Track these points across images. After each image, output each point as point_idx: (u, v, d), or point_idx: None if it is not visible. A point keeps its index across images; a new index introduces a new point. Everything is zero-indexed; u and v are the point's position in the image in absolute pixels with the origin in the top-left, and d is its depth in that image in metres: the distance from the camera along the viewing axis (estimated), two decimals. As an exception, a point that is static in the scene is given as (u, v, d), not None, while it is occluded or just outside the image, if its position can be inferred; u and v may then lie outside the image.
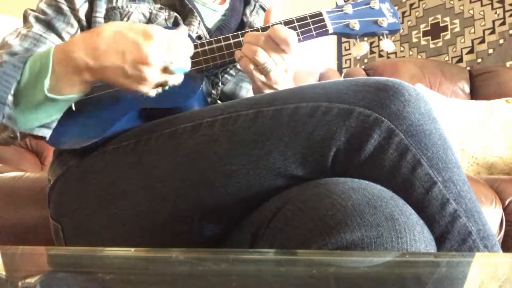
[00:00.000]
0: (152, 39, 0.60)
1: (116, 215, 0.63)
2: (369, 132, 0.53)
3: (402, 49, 2.75)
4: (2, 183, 1.09)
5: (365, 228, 0.46)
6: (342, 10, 0.77)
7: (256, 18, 0.91)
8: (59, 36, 0.78)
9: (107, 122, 0.64)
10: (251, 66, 0.71)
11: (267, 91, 0.72)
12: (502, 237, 1.23)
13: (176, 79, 0.64)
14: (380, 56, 2.80)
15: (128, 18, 0.79)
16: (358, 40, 0.78)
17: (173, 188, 0.60)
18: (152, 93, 0.63)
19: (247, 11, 0.90)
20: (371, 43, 2.74)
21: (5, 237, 1.01)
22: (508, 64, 2.35)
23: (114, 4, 0.80)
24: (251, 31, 0.73)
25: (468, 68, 2.26)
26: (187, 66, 0.64)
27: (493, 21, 2.44)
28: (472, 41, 2.49)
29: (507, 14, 2.40)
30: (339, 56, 2.97)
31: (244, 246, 0.57)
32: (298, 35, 0.74)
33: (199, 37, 0.81)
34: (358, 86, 0.56)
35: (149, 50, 0.59)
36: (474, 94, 2.07)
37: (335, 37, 2.88)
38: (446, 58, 2.56)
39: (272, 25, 0.72)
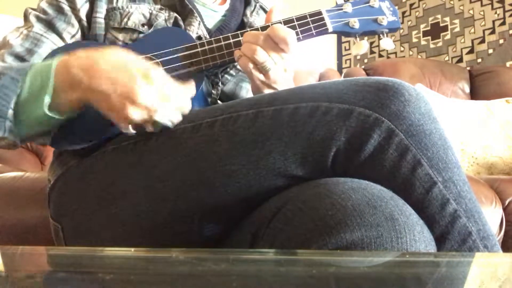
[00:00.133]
0: (150, 82, 0.59)
1: (116, 215, 0.63)
2: (369, 132, 0.53)
3: (402, 49, 2.75)
4: (2, 183, 1.10)
5: (365, 228, 0.46)
6: (341, 9, 0.77)
7: (256, 19, 0.90)
8: (60, 36, 0.78)
9: (107, 124, 0.64)
10: (250, 65, 0.71)
11: (266, 90, 0.72)
12: (502, 237, 1.23)
13: (155, 129, 0.62)
14: (380, 56, 2.80)
15: (128, 19, 0.79)
16: (358, 38, 0.78)
17: (173, 188, 0.60)
18: (130, 130, 0.62)
19: (248, 12, 0.90)
20: (371, 43, 2.74)
21: (5, 237, 1.01)
22: (508, 64, 2.35)
23: (114, 4, 0.80)
24: (250, 30, 0.73)
25: (468, 68, 2.26)
26: (170, 123, 0.62)
27: (493, 21, 2.44)
28: (472, 41, 2.49)
29: (507, 14, 2.40)
30: (339, 56, 2.97)
31: (244, 246, 0.57)
32: (298, 34, 0.74)
33: (199, 38, 0.80)
34: (358, 86, 0.56)
35: (141, 90, 0.58)
36: (474, 94, 2.07)
37: (335, 36, 2.88)
38: (446, 58, 2.56)
39: (271, 24, 0.72)
